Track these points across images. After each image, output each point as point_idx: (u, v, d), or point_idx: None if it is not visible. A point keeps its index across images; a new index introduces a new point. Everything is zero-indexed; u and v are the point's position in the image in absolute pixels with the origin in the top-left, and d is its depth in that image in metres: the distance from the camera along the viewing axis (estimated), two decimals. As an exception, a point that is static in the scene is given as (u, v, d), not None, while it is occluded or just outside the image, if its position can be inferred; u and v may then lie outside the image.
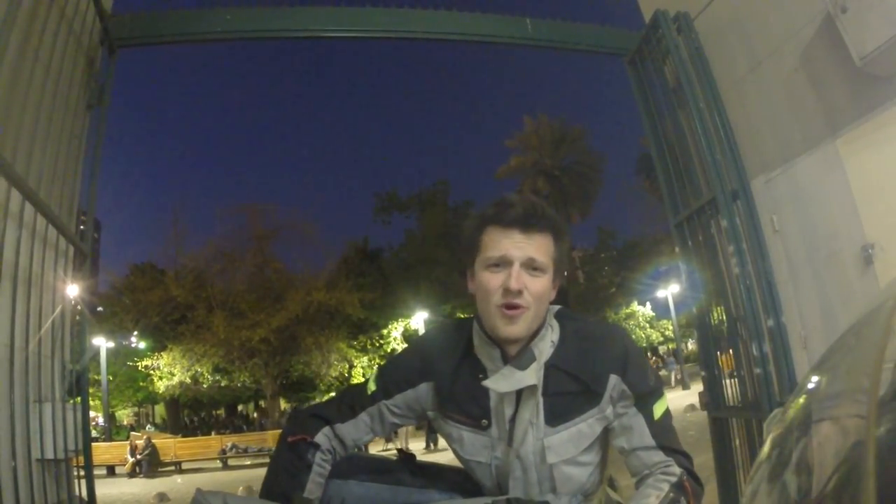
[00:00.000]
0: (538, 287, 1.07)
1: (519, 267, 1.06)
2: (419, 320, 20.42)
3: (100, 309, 18.25)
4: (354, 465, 1.24)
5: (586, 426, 1.12)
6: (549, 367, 1.12)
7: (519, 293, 1.05)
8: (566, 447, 1.11)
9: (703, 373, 2.99)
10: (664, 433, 1.11)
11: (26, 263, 1.87)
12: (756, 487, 0.58)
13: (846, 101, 2.29)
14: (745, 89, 2.80)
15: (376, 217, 24.36)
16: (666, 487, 1.03)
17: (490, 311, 1.08)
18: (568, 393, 1.11)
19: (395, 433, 14.52)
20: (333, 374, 20.07)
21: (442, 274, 21.32)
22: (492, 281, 1.07)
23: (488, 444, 1.15)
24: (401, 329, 21.39)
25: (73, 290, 2.26)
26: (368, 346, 21.28)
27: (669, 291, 23.42)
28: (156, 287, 18.66)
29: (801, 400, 0.60)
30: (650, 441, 1.10)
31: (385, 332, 21.50)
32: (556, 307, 1.21)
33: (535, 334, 1.12)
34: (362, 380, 1.29)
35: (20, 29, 1.90)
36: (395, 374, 1.22)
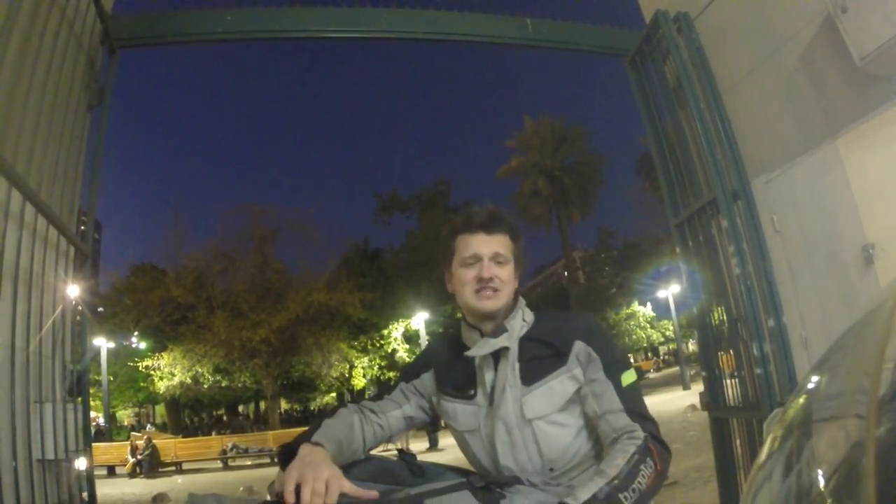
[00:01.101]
0: (504, 273, 1.32)
1: (488, 260, 1.31)
2: (420, 321, 20.39)
3: (100, 309, 18.27)
4: (354, 465, 1.24)
5: (557, 383, 1.27)
6: (524, 339, 1.32)
7: (491, 279, 1.30)
8: (541, 403, 1.26)
9: (703, 373, 2.99)
10: (631, 399, 1.23)
11: (27, 264, 1.88)
12: (756, 487, 0.58)
13: (846, 101, 2.29)
14: (746, 89, 2.80)
15: (377, 217, 24.40)
16: (632, 449, 1.13)
17: (468, 296, 1.32)
18: (540, 357, 1.30)
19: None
20: (334, 375, 20.06)
21: (442, 274, 21.29)
22: (467, 274, 1.32)
23: (475, 412, 1.33)
24: (401, 329, 21.37)
25: (73, 290, 2.26)
26: (369, 347, 21.27)
27: (670, 292, 23.42)
28: (156, 287, 18.66)
29: (802, 400, 0.60)
30: (618, 405, 1.22)
31: (385, 332, 21.48)
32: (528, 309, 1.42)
33: (507, 315, 1.34)
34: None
35: (21, 30, 1.91)
36: (409, 368, 1.51)
